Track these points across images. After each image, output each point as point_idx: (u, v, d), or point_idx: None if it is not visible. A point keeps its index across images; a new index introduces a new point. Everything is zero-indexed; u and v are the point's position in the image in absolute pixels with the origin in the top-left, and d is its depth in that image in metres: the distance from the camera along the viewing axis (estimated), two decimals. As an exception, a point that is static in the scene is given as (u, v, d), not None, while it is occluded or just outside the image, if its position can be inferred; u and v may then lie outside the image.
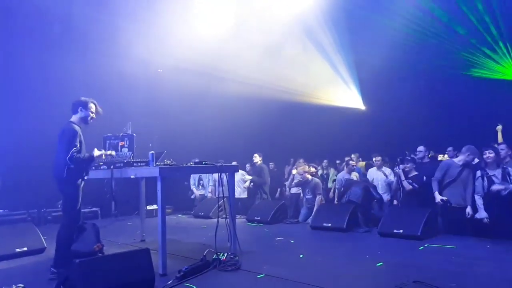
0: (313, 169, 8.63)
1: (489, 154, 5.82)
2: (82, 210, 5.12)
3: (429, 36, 9.05)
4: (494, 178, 5.77)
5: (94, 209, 9.45)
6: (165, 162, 5.17)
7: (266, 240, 6.48)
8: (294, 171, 8.63)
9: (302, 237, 6.70)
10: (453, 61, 8.96)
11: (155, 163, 5.04)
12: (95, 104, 4.86)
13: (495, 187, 5.62)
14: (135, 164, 5.22)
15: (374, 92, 10.42)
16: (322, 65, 10.75)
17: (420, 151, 7.29)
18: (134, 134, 5.75)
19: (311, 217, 7.63)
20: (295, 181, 8.44)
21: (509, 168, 5.76)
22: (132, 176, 5.24)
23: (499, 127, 7.21)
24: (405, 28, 9.14)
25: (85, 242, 5.27)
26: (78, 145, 4.57)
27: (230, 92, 10.25)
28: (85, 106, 4.75)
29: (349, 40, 10.19)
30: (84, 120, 4.79)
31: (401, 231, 6.06)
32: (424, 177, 6.70)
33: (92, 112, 4.81)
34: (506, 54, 8.62)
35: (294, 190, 8.67)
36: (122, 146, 5.76)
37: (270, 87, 10.67)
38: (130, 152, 5.65)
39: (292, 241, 6.26)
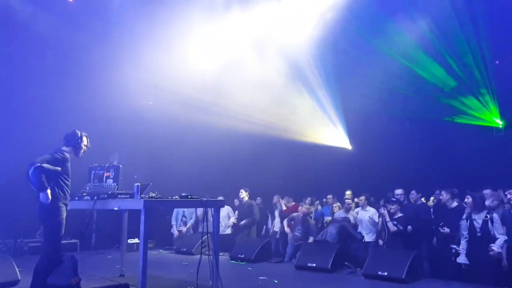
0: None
1: (466, 200, 5.94)
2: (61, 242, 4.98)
3: (413, 82, 9.37)
4: (475, 223, 5.78)
5: (73, 240, 9.18)
6: (150, 195, 5.11)
7: (249, 279, 6.34)
8: (283, 205, 8.53)
9: (286, 277, 6.56)
10: (437, 107, 9.24)
11: (140, 195, 4.98)
12: (87, 138, 4.92)
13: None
14: (119, 196, 5.16)
15: (361, 133, 10.61)
16: (310, 104, 10.96)
17: (398, 194, 7.33)
18: (120, 165, 5.70)
19: (296, 257, 7.51)
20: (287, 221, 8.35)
21: (493, 215, 5.75)
22: (115, 208, 5.16)
23: None
24: (391, 72, 9.46)
25: (61, 275, 5.12)
26: (58, 169, 4.51)
27: (219, 126, 10.31)
28: (79, 139, 4.80)
29: (337, 82, 10.47)
30: (76, 152, 4.83)
31: (386, 273, 5.99)
32: (409, 227, 6.67)
33: (84, 145, 4.87)
34: (489, 102, 8.94)
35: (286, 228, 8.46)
36: (107, 177, 5.70)
37: (258, 123, 10.78)
38: (115, 184, 5.59)
39: (275, 281, 6.13)
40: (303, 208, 8.14)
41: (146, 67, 9.29)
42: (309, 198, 9.86)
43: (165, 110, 9.99)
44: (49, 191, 4.46)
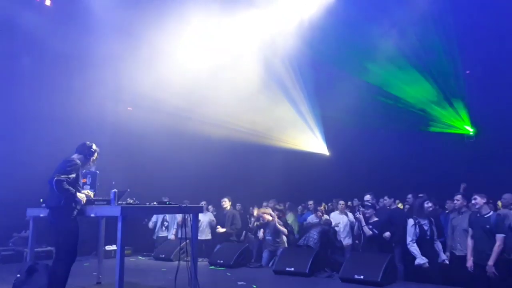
0: (273, 212, 8.59)
1: (426, 205, 6.34)
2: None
3: (388, 92, 9.63)
4: (424, 227, 6.21)
5: (48, 248, 8.97)
6: (128, 201, 5.09)
7: (228, 285, 6.35)
8: (255, 212, 8.61)
9: (264, 282, 6.61)
10: (410, 115, 9.52)
11: (117, 202, 4.95)
12: (98, 154, 5.23)
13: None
14: (96, 202, 5.12)
15: (338, 139, 10.81)
16: (290, 112, 11.12)
17: (367, 200, 7.48)
18: (98, 172, 5.66)
19: (274, 261, 7.57)
20: (256, 223, 8.41)
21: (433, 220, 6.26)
22: (92, 215, 5.12)
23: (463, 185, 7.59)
24: (367, 83, 9.70)
25: (35, 284, 5.03)
26: (72, 176, 4.75)
27: (199, 133, 10.33)
28: (92, 153, 5.15)
29: (315, 91, 10.66)
30: (84, 164, 5.12)
31: (362, 277, 6.11)
32: (387, 234, 6.82)
33: (93, 160, 5.19)
34: (461, 110, 9.24)
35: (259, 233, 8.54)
36: (84, 183, 5.65)
37: (238, 129, 10.85)
38: (92, 190, 5.54)
39: (254, 286, 6.17)
40: (259, 211, 8.20)
41: (125, 73, 9.23)
42: (287, 203, 9.95)
43: (145, 116, 9.95)
44: (79, 194, 4.80)
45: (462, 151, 8.94)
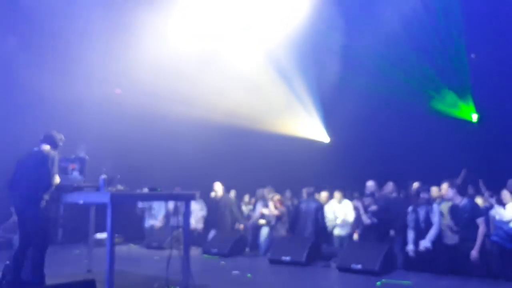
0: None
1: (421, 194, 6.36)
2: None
3: (391, 75, 9.40)
4: (419, 214, 6.26)
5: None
6: (117, 188, 4.91)
7: (222, 274, 6.24)
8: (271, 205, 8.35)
9: (259, 271, 6.50)
10: (414, 99, 9.32)
11: (107, 188, 4.77)
12: (62, 141, 5.17)
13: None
14: (85, 189, 4.97)
15: (338, 126, 10.61)
16: (286, 95, 10.86)
17: (370, 186, 7.33)
18: (87, 157, 5.46)
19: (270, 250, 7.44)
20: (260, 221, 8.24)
21: (433, 206, 6.21)
22: (80, 202, 4.96)
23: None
24: (368, 65, 9.46)
25: (25, 271, 4.89)
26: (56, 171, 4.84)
27: (191, 117, 10.07)
28: (59, 145, 5.08)
29: (315, 74, 10.39)
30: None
31: (360, 266, 6.00)
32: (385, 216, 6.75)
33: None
34: (465, 96, 9.07)
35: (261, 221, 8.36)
36: (73, 170, 5.46)
37: (232, 114, 10.58)
38: (81, 176, 5.36)
39: (248, 275, 6.03)
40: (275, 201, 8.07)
41: (114, 55, 8.93)
42: (288, 191, 9.78)
43: (135, 100, 9.67)
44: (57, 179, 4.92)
45: (465, 137, 8.76)
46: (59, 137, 5.10)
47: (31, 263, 4.75)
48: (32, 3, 7.84)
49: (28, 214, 4.72)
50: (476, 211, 5.76)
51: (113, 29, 8.31)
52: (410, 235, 6.19)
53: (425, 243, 5.98)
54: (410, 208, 6.37)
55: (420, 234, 6.11)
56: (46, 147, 4.91)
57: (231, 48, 9.55)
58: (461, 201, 5.84)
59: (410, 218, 6.30)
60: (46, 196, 4.74)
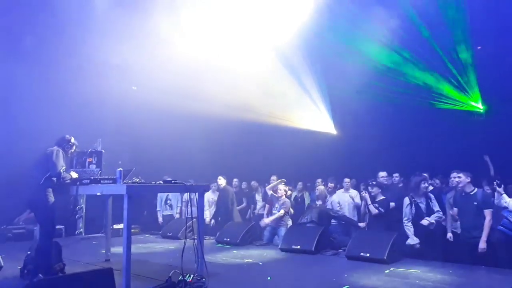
0: (288, 191, 8.58)
1: (422, 184, 6.51)
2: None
3: (397, 66, 9.40)
4: (420, 205, 6.38)
5: (58, 226, 9.10)
6: (133, 180, 5.10)
7: (234, 262, 6.41)
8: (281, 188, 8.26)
9: (270, 259, 6.67)
10: (420, 91, 9.32)
11: (123, 180, 4.97)
12: (76, 145, 5.53)
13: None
14: (102, 181, 5.16)
15: (345, 117, 10.68)
16: (295, 89, 10.95)
17: (383, 177, 7.49)
18: (103, 151, 5.68)
19: (280, 239, 7.60)
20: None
21: (431, 195, 6.42)
22: (98, 193, 5.17)
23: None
24: (375, 56, 9.48)
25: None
26: (64, 166, 5.17)
27: (203, 112, 10.24)
28: (70, 147, 5.44)
29: (322, 67, 10.45)
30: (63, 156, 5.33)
31: (368, 254, 6.14)
32: (392, 203, 6.84)
33: (71, 153, 5.49)
34: (472, 87, 9.03)
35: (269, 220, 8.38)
36: (90, 163, 5.69)
37: (242, 108, 10.73)
38: (98, 169, 5.59)
39: (260, 263, 6.22)
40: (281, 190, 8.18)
41: (131, 54, 9.11)
42: (300, 183, 9.86)
43: (149, 96, 9.87)
44: (74, 174, 5.35)
45: (472, 128, 8.76)
46: (69, 139, 5.47)
47: (39, 252, 5.02)
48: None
49: (36, 204, 5.13)
50: (486, 202, 5.69)
51: (130, 30, 8.46)
52: (410, 229, 6.39)
53: (430, 219, 6.21)
54: (406, 200, 6.46)
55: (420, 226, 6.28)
56: (55, 147, 5.32)
57: (243, 46, 9.65)
58: (473, 190, 5.80)
59: (408, 211, 6.42)
60: (50, 188, 5.09)
